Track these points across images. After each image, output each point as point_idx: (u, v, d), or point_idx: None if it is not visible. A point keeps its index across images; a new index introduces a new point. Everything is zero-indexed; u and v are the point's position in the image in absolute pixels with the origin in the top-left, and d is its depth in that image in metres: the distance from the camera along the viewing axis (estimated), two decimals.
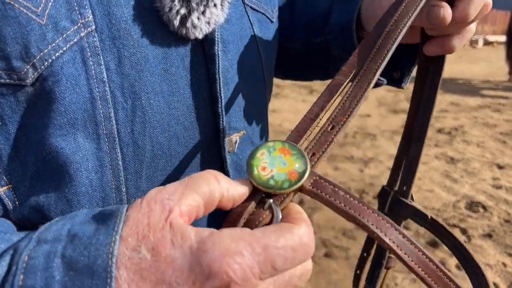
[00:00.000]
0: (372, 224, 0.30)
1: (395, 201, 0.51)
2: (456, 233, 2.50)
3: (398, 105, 5.75)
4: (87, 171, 0.35)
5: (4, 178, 0.34)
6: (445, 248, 2.32)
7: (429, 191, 3.06)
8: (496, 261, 2.24)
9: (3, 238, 0.28)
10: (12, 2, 0.30)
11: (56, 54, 0.32)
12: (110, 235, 0.25)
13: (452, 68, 9.40)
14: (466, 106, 5.72)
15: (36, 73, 0.32)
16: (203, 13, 0.36)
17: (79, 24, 0.33)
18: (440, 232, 0.47)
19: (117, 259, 0.25)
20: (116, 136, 0.36)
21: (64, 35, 0.32)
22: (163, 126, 0.38)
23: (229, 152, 0.41)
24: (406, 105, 5.78)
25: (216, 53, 0.39)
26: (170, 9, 0.35)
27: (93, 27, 0.33)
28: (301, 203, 2.86)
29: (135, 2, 0.35)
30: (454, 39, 0.47)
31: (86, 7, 0.33)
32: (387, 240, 0.29)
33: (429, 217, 0.48)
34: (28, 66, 0.31)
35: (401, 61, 0.56)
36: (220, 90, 0.40)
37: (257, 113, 0.48)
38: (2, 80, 0.31)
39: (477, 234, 2.48)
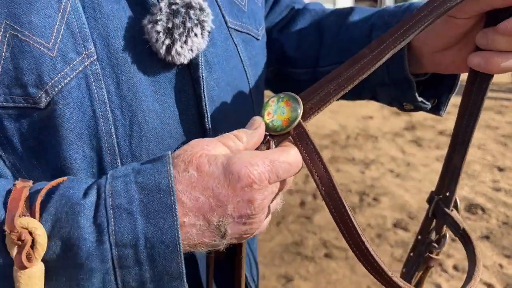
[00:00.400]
0: (310, 164, 0.39)
1: (437, 208, 0.55)
2: None
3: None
4: (93, 176, 0.42)
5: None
6: (443, 250, 2.36)
7: (429, 193, 3.09)
8: (493, 262, 2.27)
9: (81, 181, 0.37)
10: (27, 39, 0.35)
11: (65, 81, 0.38)
12: (165, 165, 0.36)
13: None
14: None
15: (48, 97, 0.38)
16: (185, 42, 0.42)
17: (83, 55, 0.38)
18: (467, 243, 0.51)
19: (174, 178, 0.35)
20: (117, 148, 0.41)
21: (71, 65, 0.38)
22: (157, 139, 0.44)
23: None
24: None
25: (201, 75, 0.45)
26: (157, 40, 0.41)
27: (95, 57, 0.39)
28: (302, 204, 2.91)
29: (129, 35, 0.41)
30: (505, 57, 0.43)
31: (89, 40, 0.39)
32: (314, 175, 0.39)
33: (461, 228, 0.52)
34: (42, 92, 0.37)
35: (439, 88, 0.58)
36: (206, 107, 0.46)
37: (243, 126, 0.53)
38: (21, 104, 0.37)
39: (475, 236, 2.52)
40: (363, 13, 0.62)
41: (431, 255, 0.54)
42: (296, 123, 0.40)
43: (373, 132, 4.61)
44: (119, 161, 0.42)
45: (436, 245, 0.54)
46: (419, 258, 0.55)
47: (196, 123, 0.46)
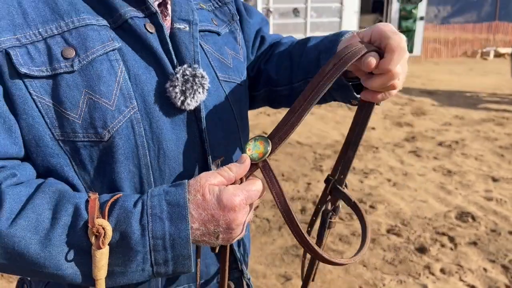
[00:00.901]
0: (270, 186, 0.61)
1: (333, 187, 0.77)
2: (444, 240, 2.72)
3: (402, 118, 5.96)
4: (134, 184, 0.65)
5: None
6: (432, 253, 2.54)
7: (423, 201, 3.27)
8: (478, 266, 2.45)
9: (131, 196, 0.58)
10: (98, 101, 0.58)
11: (119, 124, 0.60)
12: (183, 190, 0.57)
13: (461, 80, 9.54)
14: (470, 120, 5.88)
15: (109, 134, 0.60)
16: (193, 97, 0.64)
17: (129, 108, 0.61)
18: (358, 213, 0.72)
19: (188, 200, 0.56)
20: (149, 165, 0.64)
21: (123, 114, 0.61)
22: (175, 158, 0.66)
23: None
24: (410, 118, 5.98)
25: (202, 116, 0.67)
26: (175, 97, 0.64)
27: (136, 108, 0.62)
28: (303, 210, 3.11)
29: (157, 93, 0.64)
30: (380, 94, 0.69)
31: (133, 98, 0.62)
32: (273, 193, 0.61)
33: (353, 201, 0.73)
34: (106, 131, 0.60)
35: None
36: (206, 136, 0.68)
37: (232, 145, 0.75)
38: (93, 139, 0.59)
39: (464, 242, 2.70)
40: (315, 41, 0.85)
41: (331, 220, 0.77)
42: (265, 156, 0.61)
43: (374, 142, 4.80)
44: (151, 173, 0.64)
45: (333, 213, 0.77)
46: (324, 223, 0.77)
47: (199, 147, 0.69)
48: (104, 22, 0.61)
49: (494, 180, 3.73)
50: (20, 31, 0.56)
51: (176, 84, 0.63)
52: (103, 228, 0.53)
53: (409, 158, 4.30)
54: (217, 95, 0.72)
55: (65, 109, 0.58)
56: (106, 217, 0.54)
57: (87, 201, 0.56)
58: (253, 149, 0.63)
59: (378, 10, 10.06)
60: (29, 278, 0.75)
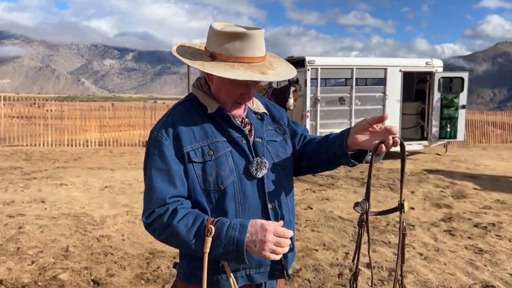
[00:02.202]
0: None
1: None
2: None
3: (442, 200, 6.28)
4: (233, 212, 1.31)
5: (211, 213, 1.31)
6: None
7: (450, 274, 3.62)
8: None
9: (227, 220, 1.20)
10: (220, 172, 1.28)
11: (228, 183, 1.29)
12: (248, 226, 1.17)
13: (508, 165, 9.66)
14: (511, 204, 6.08)
15: (223, 187, 1.28)
16: (261, 171, 1.32)
17: (232, 176, 1.29)
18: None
19: (250, 224, 1.17)
20: (240, 203, 1.29)
21: (230, 179, 1.29)
22: (250, 201, 1.32)
23: (270, 210, 1.36)
24: (450, 201, 6.30)
25: (265, 181, 1.33)
26: (254, 171, 1.31)
27: (235, 176, 1.30)
28: (340, 275, 3.57)
29: (244, 170, 1.32)
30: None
31: (234, 172, 1.30)
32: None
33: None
34: (222, 186, 1.28)
35: (360, 154, 1.42)
36: (266, 191, 1.34)
37: (283, 198, 1.42)
38: (217, 189, 1.28)
39: None
40: (330, 138, 1.48)
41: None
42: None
43: (411, 221, 5.19)
44: (240, 207, 1.30)
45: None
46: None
47: (263, 197, 1.35)
48: (225, 139, 1.34)
49: None
50: (192, 144, 1.30)
51: (254, 165, 1.33)
52: (211, 228, 1.19)
53: (443, 236, 4.64)
54: (274, 171, 1.40)
55: (207, 176, 1.29)
56: (214, 224, 1.20)
57: (208, 219, 1.23)
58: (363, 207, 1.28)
59: (421, 98, 10.72)
60: (178, 262, 1.42)
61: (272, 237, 1.13)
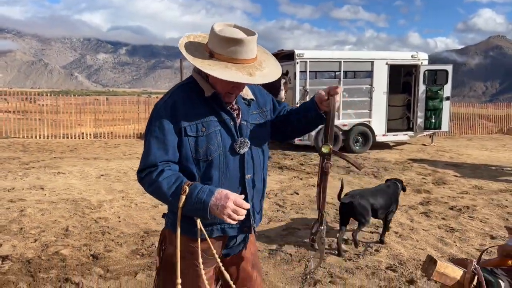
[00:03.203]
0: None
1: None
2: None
3: (423, 186, 6.62)
4: (217, 178, 1.58)
5: (198, 178, 1.58)
6: (419, 284, 3.30)
7: (421, 249, 3.95)
8: None
9: (199, 184, 1.48)
10: (210, 147, 1.55)
11: (215, 155, 1.54)
12: (216, 189, 1.45)
13: (490, 155, 10.04)
14: (488, 190, 6.42)
15: (211, 158, 1.54)
16: (244, 148, 1.59)
17: (219, 150, 1.55)
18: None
19: (216, 191, 1.44)
20: (223, 172, 1.56)
21: (217, 152, 1.55)
22: (231, 172, 1.59)
23: (246, 179, 1.63)
24: (430, 187, 6.63)
25: (245, 156, 1.60)
26: (238, 148, 1.58)
27: (221, 150, 1.56)
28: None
29: (229, 147, 1.59)
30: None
31: (221, 147, 1.56)
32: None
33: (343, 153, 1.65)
34: (210, 157, 1.53)
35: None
36: (245, 165, 1.60)
37: (259, 169, 1.69)
38: (205, 159, 1.55)
39: None
40: (304, 105, 1.77)
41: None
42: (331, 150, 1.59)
43: None
44: (223, 176, 1.57)
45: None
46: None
47: (242, 171, 1.62)
48: (216, 119, 1.58)
49: (492, 237, 4.31)
50: (189, 121, 1.54)
51: (238, 144, 1.60)
52: (185, 189, 1.45)
53: (419, 217, 4.97)
54: (253, 149, 1.66)
55: (198, 148, 1.55)
56: (189, 186, 1.46)
57: (186, 181, 1.49)
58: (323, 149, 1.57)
59: (407, 91, 11.06)
60: (167, 213, 1.69)
61: (232, 205, 1.39)
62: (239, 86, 1.57)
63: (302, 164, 8.40)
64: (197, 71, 1.60)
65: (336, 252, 3.79)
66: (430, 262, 1.65)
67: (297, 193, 5.96)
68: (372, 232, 4.39)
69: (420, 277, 3.36)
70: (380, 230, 4.30)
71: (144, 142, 1.58)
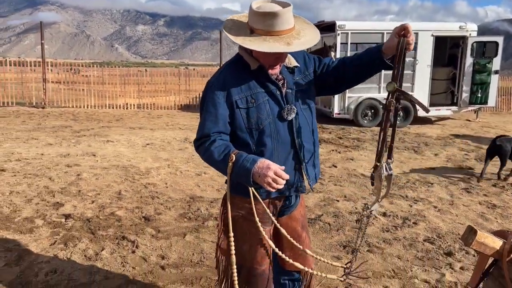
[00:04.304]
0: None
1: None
2: (471, 250, 3.42)
3: (465, 162, 6.51)
4: (270, 145, 1.72)
5: (253, 146, 1.73)
6: (457, 257, 3.31)
7: (461, 223, 3.97)
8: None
9: (244, 153, 1.61)
10: (260, 116, 1.68)
11: (266, 123, 1.68)
12: (259, 159, 1.57)
13: None
14: None
15: (262, 126, 1.67)
16: (291, 115, 1.71)
17: (269, 118, 1.71)
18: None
19: (259, 161, 1.56)
20: (275, 139, 1.69)
21: (267, 120, 1.68)
22: (283, 139, 1.72)
23: (297, 142, 1.76)
24: (473, 163, 6.51)
25: (293, 122, 1.73)
26: (286, 114, 1.71)
27: (271, 118, 1.69)
28: (358, 221, 3.99)
29: (279, 113, 1.71)
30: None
31: (270, 115, 1.69)
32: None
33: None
34: (261, 125, 1.68)
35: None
36: (294, 132, 1.73)
37: (308, 135, 1.81)
38: (257, 128, 1.69)
39: None
40: (368, 50, 1.77)
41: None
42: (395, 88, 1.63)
43: (430, 179, 5.50)
44: (275, 143, 1.71)
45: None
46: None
47: (292, 136, 1.75)
48: (263, 90, 1.72)
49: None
50: (239, 94, 1.69)
51: (285, 110, 1.72)
52: (232, 157, 1.59)
53: (460, 193, 4.95)
54: (300, 114, 1.78)
55: (250, 118, 1.69)
56: (235, 154, 1.60)
57: (233, 150, 1.63)
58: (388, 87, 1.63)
59: (453, 64, 10.63)
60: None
61: (272, 174, 1.52)
62: (281, 56, 1.68)
63: (340, 138, 8.41)
64: (242, 48, 1.71)
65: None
66: (471, 232, 1.73)
67: (335, 166, 6.03)
68: (411, 206, 4.44)
69: (458, 250, 3.42)
70: (411, 209, 4.33)
71: (200, 115, 1.74)
